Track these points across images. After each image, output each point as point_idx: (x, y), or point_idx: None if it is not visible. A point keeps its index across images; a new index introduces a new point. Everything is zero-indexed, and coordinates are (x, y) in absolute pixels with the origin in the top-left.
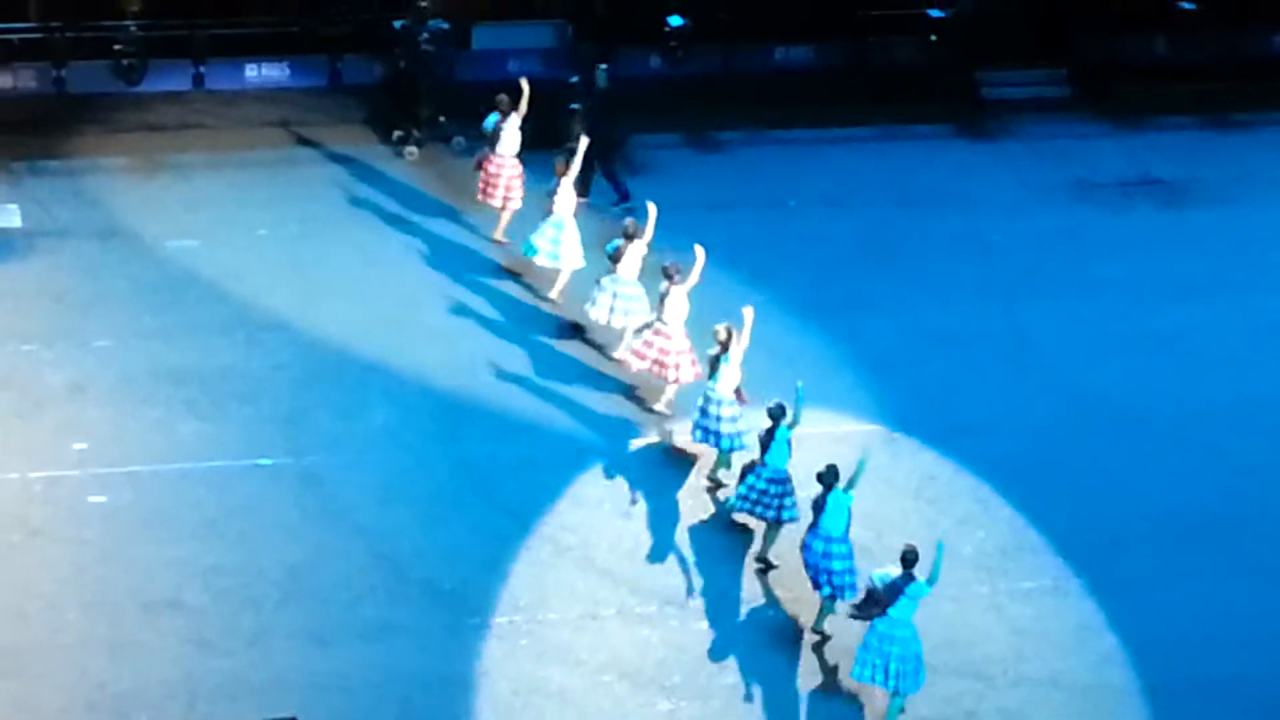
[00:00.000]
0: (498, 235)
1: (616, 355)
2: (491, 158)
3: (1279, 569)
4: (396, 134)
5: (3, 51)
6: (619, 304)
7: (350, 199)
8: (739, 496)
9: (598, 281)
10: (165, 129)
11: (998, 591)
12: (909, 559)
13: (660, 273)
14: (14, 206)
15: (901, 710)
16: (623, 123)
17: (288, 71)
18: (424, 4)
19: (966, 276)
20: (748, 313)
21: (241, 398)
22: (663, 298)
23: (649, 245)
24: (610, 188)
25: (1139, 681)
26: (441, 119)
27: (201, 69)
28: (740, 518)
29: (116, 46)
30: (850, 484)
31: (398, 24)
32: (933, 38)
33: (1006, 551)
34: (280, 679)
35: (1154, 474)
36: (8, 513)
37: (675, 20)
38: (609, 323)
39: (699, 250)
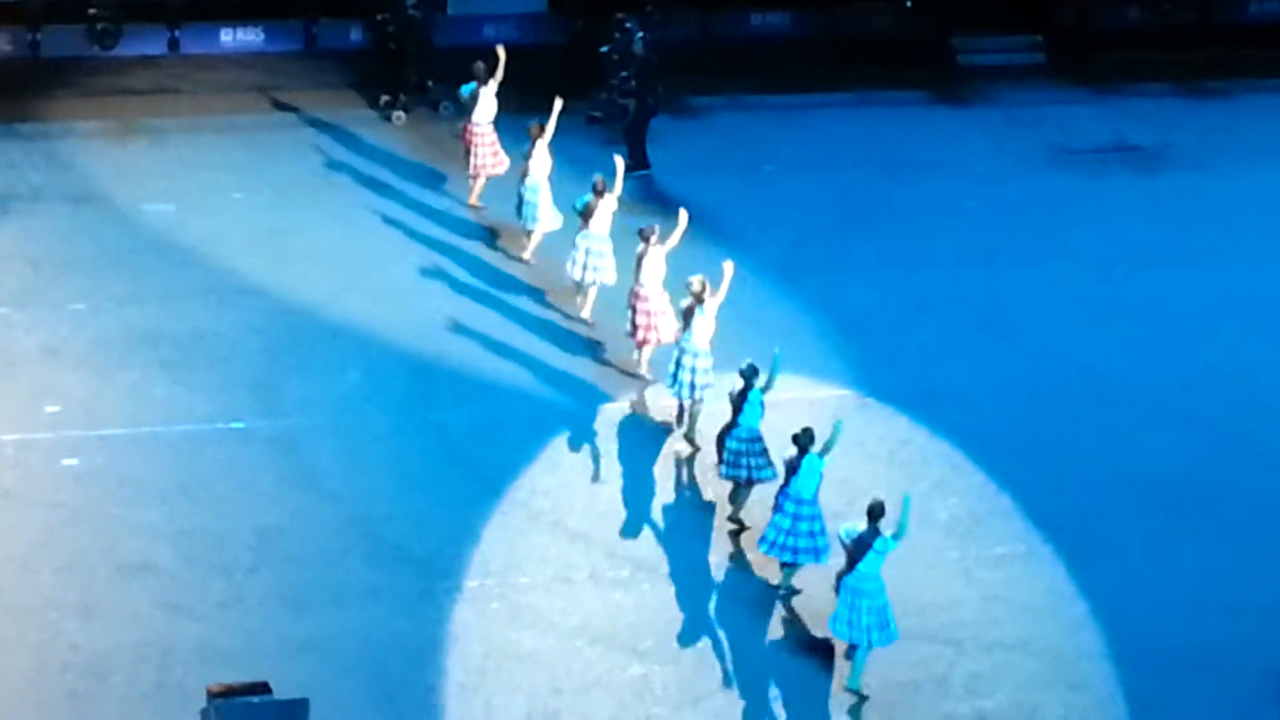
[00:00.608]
0: (472, 200)
1: (585, 315)
2: (469, 125)
3: (1251, 536)
4: (384, 99)
5: None
6: (590, 260)
7: (326, 164)
8: (724, 463)
9: (573, 241)
10: (140, 93)
11: (969, 557)
12: (875, 512)
13: (636, 235)
14: None
15: (863, 668)
16: (660, 90)
17: (263, 36)
18: None
19: (943, 242)
20: (728, 267)
21: (215, 362)
22: (639, 259)
23: (619, 200)
24: (629, 153)
25: (1110, 647)
26: (430, 84)
27: (176, 33)
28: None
29: (91, 10)
30: (826, 448)
31: None
32: (908, 4)
33: (979, 517)
34: (253, 643)
35: (1128, 440)
36: None
37: None
38: (582, 279)
39: (683, 214)
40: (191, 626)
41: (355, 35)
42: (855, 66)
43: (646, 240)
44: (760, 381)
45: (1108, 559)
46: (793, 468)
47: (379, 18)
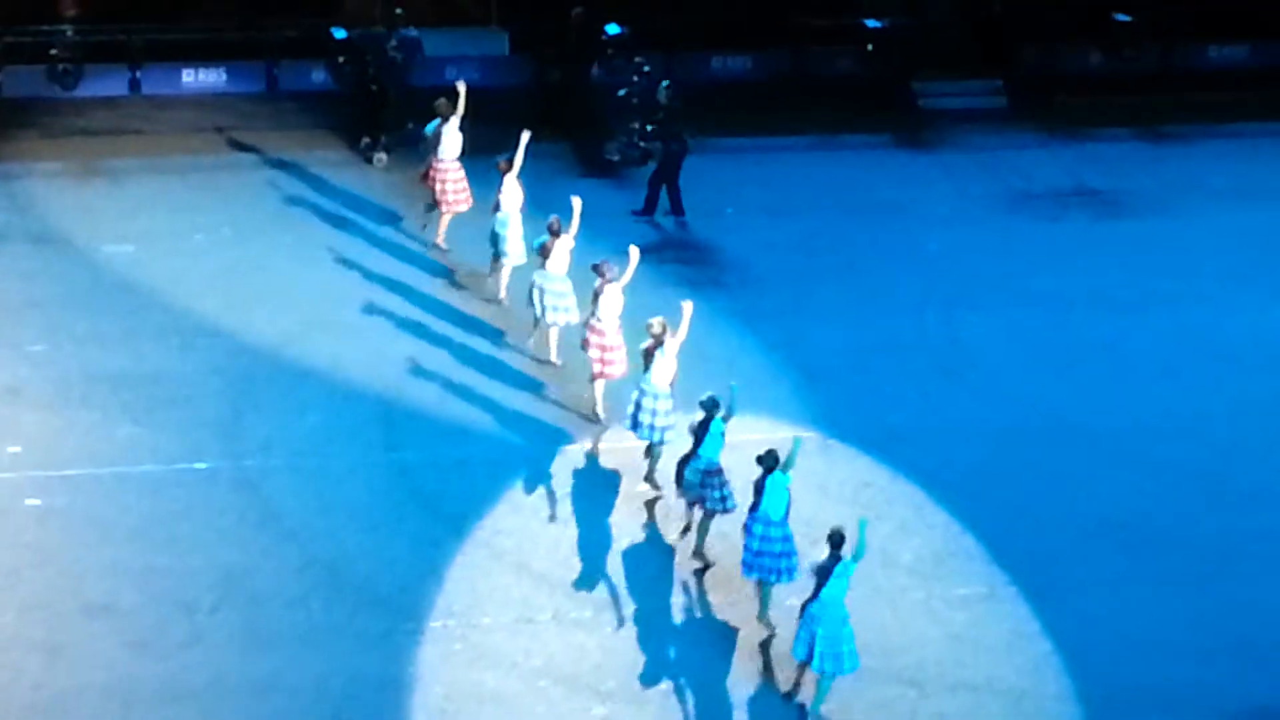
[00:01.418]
0: (438, 240)
1: (550, 356)
2: (434, 163)
3: (1212, 577)
4: (365, 141)
5: None
6: (548, 300)
7: (287, 204)
8: (686, 485)
9: (532, 280)
10: (100, 134)
11: (933, 597)
12: (835, 540)
13: (592, 270)
14: None
15: (825, 696)
16: (685, 137)
17: (225, 77)
18: (398, 11)
19: (904, 285)
20: (686, 307)
21: (176, 402)
22: (596, 295)
23: (574, 239)
24: (645, 198)
25: (1072, 687)
26: (410, 125)
27: (137, 74)
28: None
29: (52, 51)
30: (787, 464)
31: (340, 32)
32: (870, 48)
33: (941, 558)
34: (217, 682)
35: (1088, 482)
36: None
37: (612, 29)
38: (541, 318)
39: (633, 250)
40: (156, 666)
41: (317, 76)
42: (817, 109)
43: (602, 275)
44: (720, 413)
45: (1070, 599)
46: (759, 489)
47: (344, 60)
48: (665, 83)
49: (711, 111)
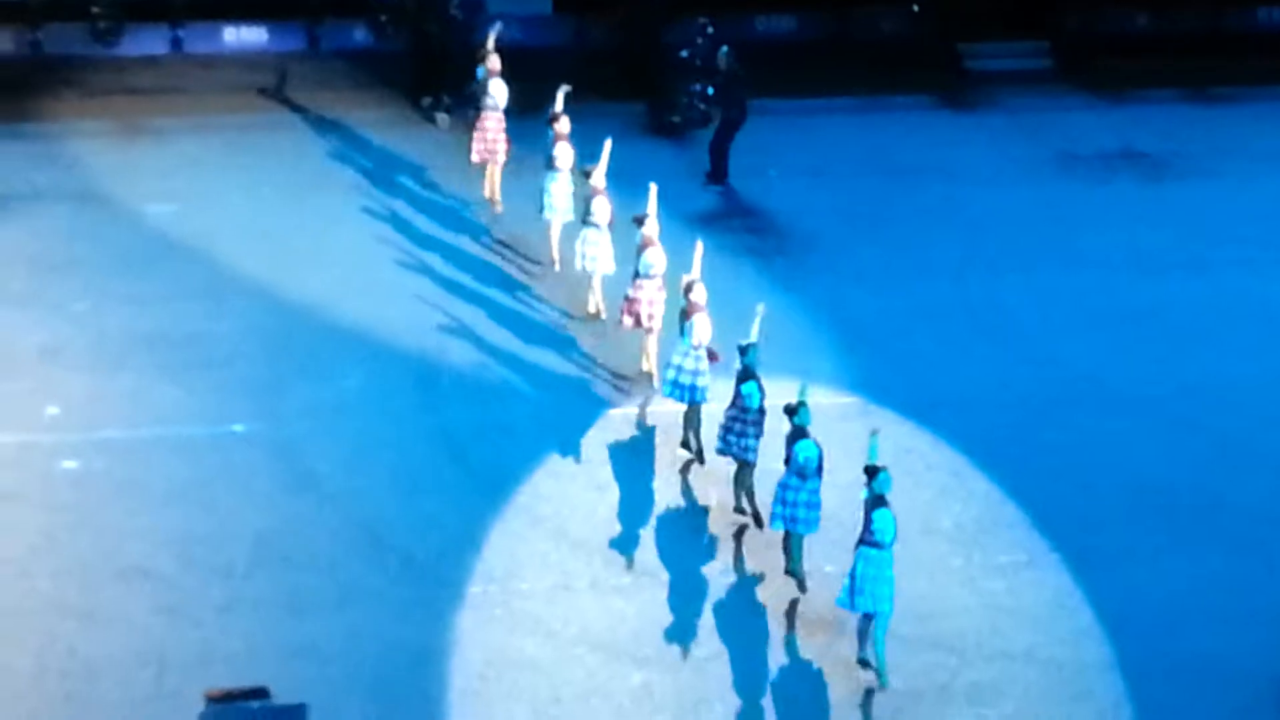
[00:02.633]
0: (487, 194)
1: (591, 309)
2: (482, 114)
3: (1255, 544)
4: (426, 101)
5: None
6: (586, 249)
7: (328, 165)
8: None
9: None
10: (142, 93)
11: (972, 565)
12: (871, 472)
13: (633, 222)
14: None
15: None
16: (744, 103)
17: (266, 35)
18: None
19: (946, 248)
20: (698, 246)
21: (214, 364)
22: (639, 249)
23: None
24: (711, 163)
25: (1113, 656)
26: (472, 86)
27: (179, 32)
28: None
29: (94, 9)
30: (870, 458)
31: None
32: (915, 8)
33: (983, 525)
34: (251, 647)
35: (1132, 449)
36: None
37: None
38: (581, 268)
39: (653, 187)
40: (190, 631)
41: (359, 35)
42: (861, 71)
43: (643, 227)
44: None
45: (1111, 567)
46: (790, 441)
47: (402, 18)
48: (725, 48)
49: (755, 72)
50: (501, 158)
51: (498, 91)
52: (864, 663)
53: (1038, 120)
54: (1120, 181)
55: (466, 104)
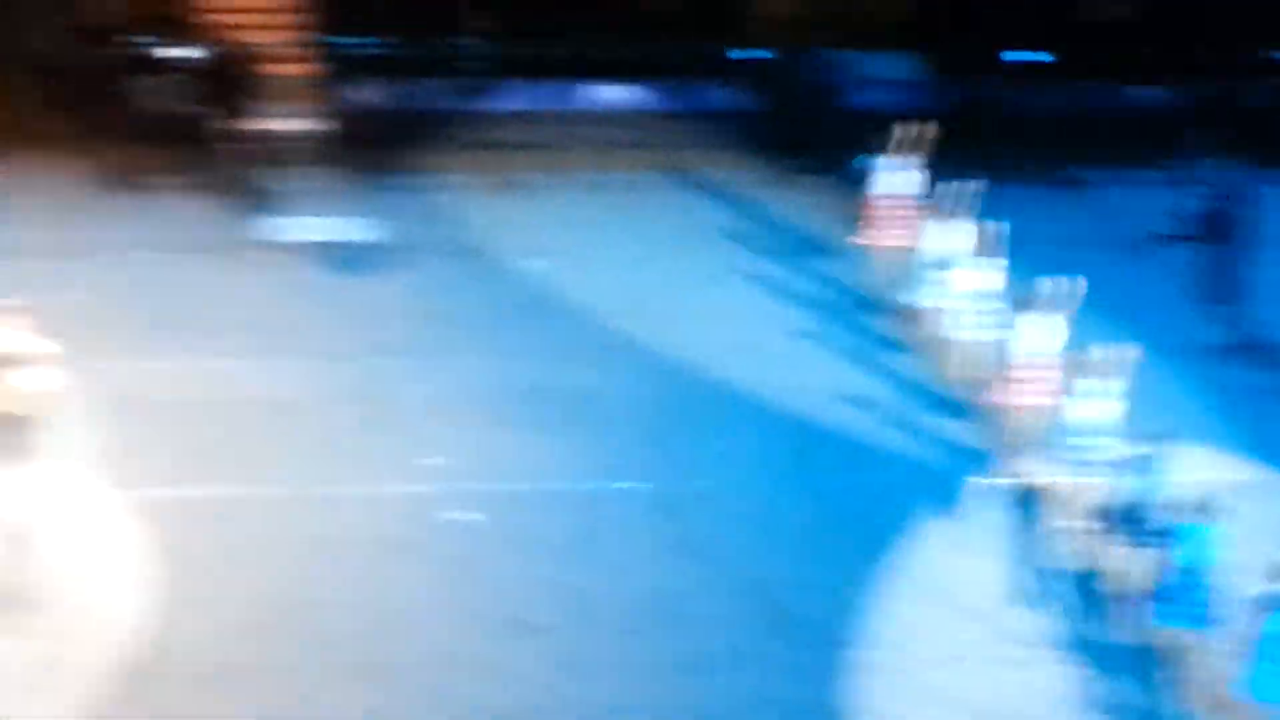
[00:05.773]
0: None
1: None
2: (875, 196)
3: None
4: (792, 164)
5: (353, 67)
6: (959, 317)
7: (700, 223)
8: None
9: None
10: (510, 147)
11: None
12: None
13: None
14: (363, 220)
15: None
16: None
17: (635, 94)
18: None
19: None
20: (1122, 351)
21: (596, 420)
22: (1021, 324)
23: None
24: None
25: None
26: (839, 149)
27: (548, 89)
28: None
29: (462, 64)
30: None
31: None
32: None
33: None
34: (648, 704)
35: None
36: (364, 527)
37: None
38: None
39: (1079, 282)
40: (583, 687)
41: (726, 97)
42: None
43: (1028, 302)
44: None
45: None
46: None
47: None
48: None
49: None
50: (896, 243)
51: (887, 178)
52: None
53: None
54: None
55: (832, 168)
